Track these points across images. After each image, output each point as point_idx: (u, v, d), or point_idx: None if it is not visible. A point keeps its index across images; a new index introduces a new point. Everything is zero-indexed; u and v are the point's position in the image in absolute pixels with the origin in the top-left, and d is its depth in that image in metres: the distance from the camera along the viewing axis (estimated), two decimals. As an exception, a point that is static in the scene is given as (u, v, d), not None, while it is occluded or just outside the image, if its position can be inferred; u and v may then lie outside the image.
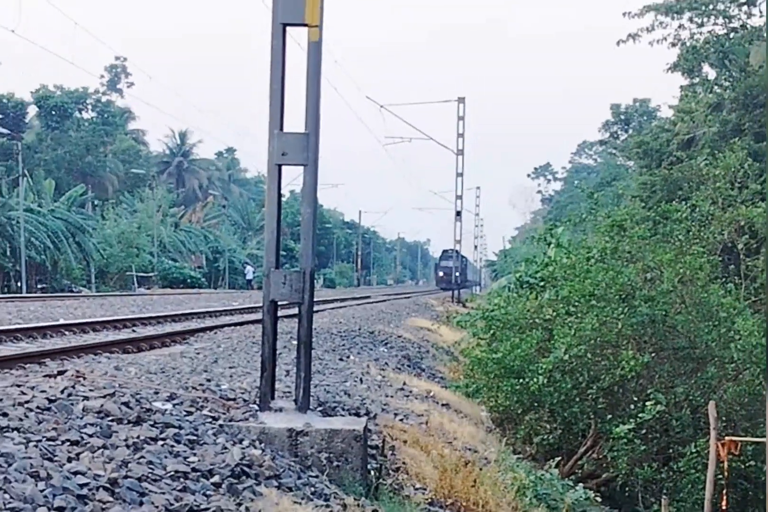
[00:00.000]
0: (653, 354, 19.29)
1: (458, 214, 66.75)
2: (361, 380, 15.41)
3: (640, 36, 47.94)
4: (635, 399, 18.75)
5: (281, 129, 9.27)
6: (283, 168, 9.45)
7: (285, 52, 9.27)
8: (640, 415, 18.15)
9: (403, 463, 10.64)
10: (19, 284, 59.11)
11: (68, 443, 6.97)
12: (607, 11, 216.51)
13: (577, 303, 20.37)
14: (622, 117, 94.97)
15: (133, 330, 22.07)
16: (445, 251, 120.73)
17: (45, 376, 9.93)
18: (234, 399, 10.06)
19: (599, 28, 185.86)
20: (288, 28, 9.33)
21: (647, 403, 18.19)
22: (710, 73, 51.87)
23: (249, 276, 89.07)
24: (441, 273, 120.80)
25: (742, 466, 17.39)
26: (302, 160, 9.30)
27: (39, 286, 61.70)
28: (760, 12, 47.50)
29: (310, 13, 9.13)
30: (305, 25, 9.19)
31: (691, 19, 47.37)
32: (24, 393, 8.15)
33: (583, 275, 20.93)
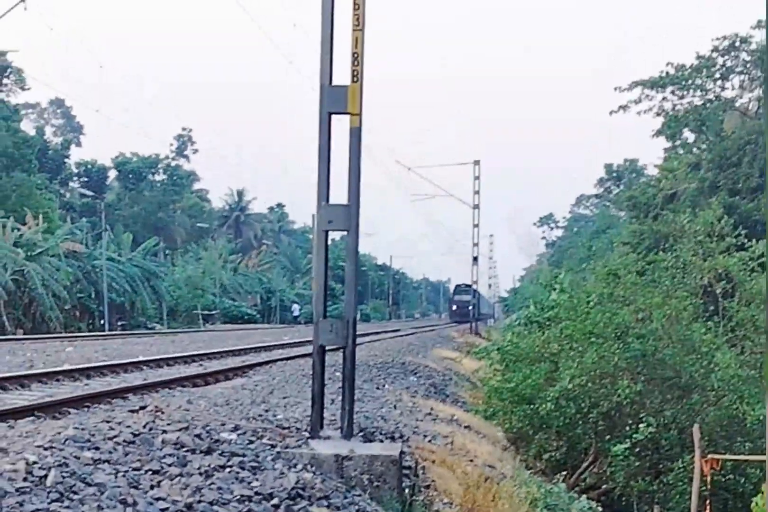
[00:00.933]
0: (645, 384, 19.28)
1: (475, 259, 66.82)
2: (395, 406, 15.37)
3: (629, 107, 48.16)
4: (630, 422, 18.70)
5: (327, 201, 9.36)
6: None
7: (331, 137, 9.32)
8: (634, 436, 18.14)
9: (432, 481, 10.66)
10: (102, 322, 59.35)
11: (150, 472, 7.04)
12: (602, 84, 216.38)
13: (579, 340, 20.38)
14: (615, 174, 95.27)
15: (201, 365, 22.05)
16: (458, 286, 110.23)
17: (129, 411, 10.02)
18: (288, 428, 10.09)
19: (596, 96, 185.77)
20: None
21: (640, 425, 18.18)
22: (690, 137, 52.05)
23: (296, 313, 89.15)
24: (455, 307, 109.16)
25: (723, 480, 17.32)
26: (345, 226, 9.40)
27: (119, 324, 61.83)
28: (732, 86, 47.69)
29: (352, 104, 9.23)
30: (348, 113, 9.27)
31: (673, 92, 47.60)
32: (112, 429, 8.21)
33: (584, 316, 20.96)
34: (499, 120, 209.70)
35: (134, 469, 7.00)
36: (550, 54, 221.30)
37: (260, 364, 22.00)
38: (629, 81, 47.48)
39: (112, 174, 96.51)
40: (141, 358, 21.58)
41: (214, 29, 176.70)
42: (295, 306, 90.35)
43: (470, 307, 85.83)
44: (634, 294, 21.38)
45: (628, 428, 18.54)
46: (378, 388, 18.16)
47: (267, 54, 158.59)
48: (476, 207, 64.92)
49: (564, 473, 18.75)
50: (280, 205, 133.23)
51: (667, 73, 47.20)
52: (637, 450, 18.37)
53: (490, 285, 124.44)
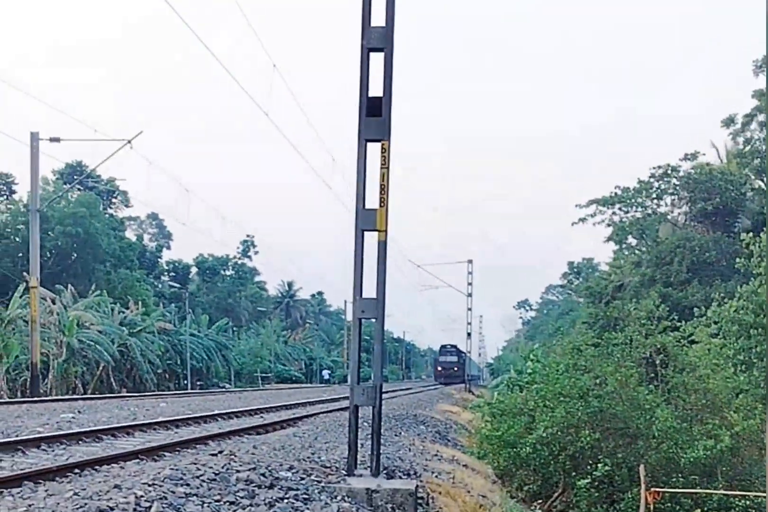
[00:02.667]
0: (602, 433, 19.12)
1: (468, 334, 67.11)
2: (409, 449, 15.30)
3: (586, 219, 48.55)
4: (590, 462, 18.50)
5: (361, 295, 9.45)
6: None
7: (363, 250, 9.36)
8: (594, 473, 17.97)
9: (440, 508, 10.60)
10: (185, 382, 59.20)
11: (228, 503, 7.08)
12: (565, 201, 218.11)
13: (550, 399, 20.26)
14: (575, 269, 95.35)
15: (261, 417, 21.86)
16: (443, 346, 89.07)
17: (210, 455, 10.01)
18: (330, 468, 10.09)
19: (561, 209, 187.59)
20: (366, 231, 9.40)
21: (598, 465, 18.02)
22: (633, 242, 52.30)
23: (326, 377, 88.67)
24: (440, 368, 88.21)
25: (662, 507, 17.07)
26: (374, 315, 9.48)
27: (198, 384, 61.57)
28: (666, 203, 48.15)
29: (379, 223, 9.33)
30: (376, 230, 9.33)
31: (620, 208, 48.08)
32: (198, 469, 8.24)
33: (554, 380, 20.89)
34: (491, 227, 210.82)
35: (216, 501, 7.05)
36: (526, 180, 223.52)
37: (306, 416, 21.85)
38: (586, 200, 48.06)
39: (194, 270, 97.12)
40: (216, 412, 21.49)
41: (265, 163, 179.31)
42: (326, 372, 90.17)
43: (455, 369, 79.90)
44: (592, 364, 21.29)
45: (589, 467, 18.35)
46: (396, 435, 18.07)
47: (306, 177, 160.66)
48: (469, 295, 65.21)
49: (540, 501, 18.68)
50: (319, 293, 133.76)
51: (616, 193, 47.74)
52: (596, 483, 18.18)
53: (480, 354, 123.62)
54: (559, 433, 19.09)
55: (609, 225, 48.75)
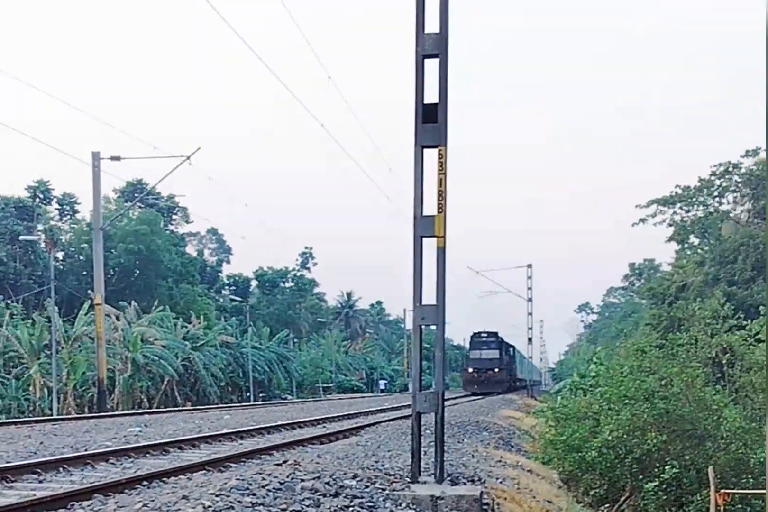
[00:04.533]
0: (668, 435, 18.83)
1: (530, 339, 66.17)
2: (472, 456, 15.20)
3: (646, 220, 48.03)
4: (657, 464, 18.18)
5: (421, 302, 9.40)
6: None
7: (422, 257, 9.32)
8: (661, 476, 17.64)
9: (505, 514, 10.53)
10: (248, 394, 59.72)
11: (294, 512, 7.15)
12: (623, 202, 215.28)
13: (615, 402, 20.02)
14: (637, 271, 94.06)
15: (324, 426, 21.93)
16: (476, 335, 58.14)
17: (275, 465, 10.06)
18: (393, 475, 10.08)
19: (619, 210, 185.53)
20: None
21: (666, 467, 17.71)
22: (695, 241, 51.56)
23: (382, 387, 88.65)
24: (470, 370, 56.21)
25: (733, 509, 16.73)
26: (434, 321, 9.45)
27: (260, 395, 62.07)
28: (728, 201, 47.41)
29: (438, 229, 9.26)
30: (435, 236, 9.28)
31: (681, 207, 47.47)
32: (264, 479, 8.30)
33: (618, 383, 20.66)
34: (549, 231, 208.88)
35: (282, 510, 7.09)
36: (584, 175, 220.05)
37: (369, 425, 21.86)
38: (646, 200, 47.56)
39: (254, 283, 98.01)
40: (279, 422, 21.58)
41: (320, 174, 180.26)
42: (382, 382, 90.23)
43: (495, 370, 54.21)
44: (657, 366, 21.00)
45: (656, 469, 18.04)
46: (459, 442, 18.00)
47: (366, 189, 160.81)
48: (530, 299, 64.64)
49: (606, 505, 18.43)
50: (378, 302, 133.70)
51: (676, 192, 47.18)
52: (664, 486, 17.85)
53: (541, 359, 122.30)
54: (624, 436, 18.82)
55: (670, 225, 48.22)
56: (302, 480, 8.44)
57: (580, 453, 19.30)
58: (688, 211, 47.76)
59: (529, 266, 64.85)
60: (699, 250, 50.69)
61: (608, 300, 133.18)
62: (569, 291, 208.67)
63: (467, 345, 61.95)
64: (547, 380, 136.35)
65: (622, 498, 19.23)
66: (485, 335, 57.20)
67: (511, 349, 58.06)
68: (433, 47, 9.29)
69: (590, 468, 19.43)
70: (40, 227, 68.76)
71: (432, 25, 9.29)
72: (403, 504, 8.40)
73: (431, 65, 9.31)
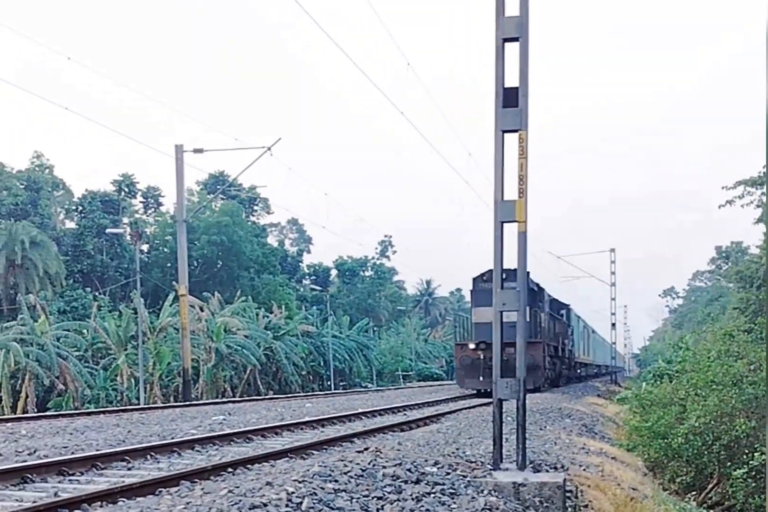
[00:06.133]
0: (758, 420, 18.38)
1: (613, 325, 65.16)
2: (555, 443, 14.97)
3: (734, 201, 46.76)
4: (746, 451, 17.78)
5: (502, 287, 9.35)
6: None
7: (503, 242, 9.24)
8: (750, 462, 17.22)
9: (590, 501, 10.37)
10: (328, 383, 60.31)
11: (376, 498, 7.11)
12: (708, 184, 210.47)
13: (702, 387, 19.67)
14: (724, 254, 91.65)
15: (405, 414, 21.84)
16: (481, 278, 32.38)
17: (356, 452, 10.11)
18: (475, 462, 9.99)
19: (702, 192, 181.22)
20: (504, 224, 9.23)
21: (755, 454, 17.29)
22: (786, 223, 50.06)
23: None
24: (473, 346, 31.21)
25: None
26: (515, 307, 9.35)
27: (341, 384, 62.68)
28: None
29: (519, 214, 9.14)
30: (516, 221, 9.16)
31: (769, 187, 46.08)
32: (346, 466, 8.32)
33: (706, 368, 20.25)
34: (633, 217, 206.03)
35: (364, 496, 7.10)
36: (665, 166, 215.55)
37: (449, 413, 21.77)
38: (733, 181, 46.32)
39: (334, 272, 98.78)
40: (360, 410, 21.59)
41: (400, 161, 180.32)
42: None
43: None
44: (745, 350, 20.51)
45: (745, 456, 17.63)
46: (541, 429, 17.75)
47: (445, 174, 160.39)
48: (613, 284, 63.58)
49: (693, 493, 18.10)
50: (458, 290, 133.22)
51: (765, 172, 45.76)
52: (753, 473, 17.42)
53: (625, 345, 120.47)
54: (712, 422, 18.46)
55: (758, 206, 46.71)
56: (383, 467, 8.43)
57: (665, 440, 19.01)
58: (777, 192, 46.31)
59: (612, 250, 63.68)
60: (790, 233, 49.18)
61: (694, 284, 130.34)
62: (653, 275, 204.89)
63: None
64: (632, 366, 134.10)
65: (710, 486, 18.88)
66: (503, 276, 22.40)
67: (563, 311, 39.89)
68: (513, 30, 9.17)
69: (676, 455, 19.12)
70: (125, 220, 70.48)
71: (512, 9, 9.18)
72: (485, 491, 8.33)
73: (511, 49, 9.20)
